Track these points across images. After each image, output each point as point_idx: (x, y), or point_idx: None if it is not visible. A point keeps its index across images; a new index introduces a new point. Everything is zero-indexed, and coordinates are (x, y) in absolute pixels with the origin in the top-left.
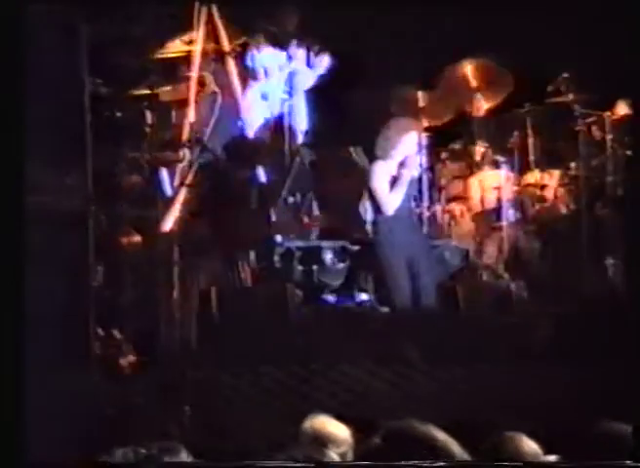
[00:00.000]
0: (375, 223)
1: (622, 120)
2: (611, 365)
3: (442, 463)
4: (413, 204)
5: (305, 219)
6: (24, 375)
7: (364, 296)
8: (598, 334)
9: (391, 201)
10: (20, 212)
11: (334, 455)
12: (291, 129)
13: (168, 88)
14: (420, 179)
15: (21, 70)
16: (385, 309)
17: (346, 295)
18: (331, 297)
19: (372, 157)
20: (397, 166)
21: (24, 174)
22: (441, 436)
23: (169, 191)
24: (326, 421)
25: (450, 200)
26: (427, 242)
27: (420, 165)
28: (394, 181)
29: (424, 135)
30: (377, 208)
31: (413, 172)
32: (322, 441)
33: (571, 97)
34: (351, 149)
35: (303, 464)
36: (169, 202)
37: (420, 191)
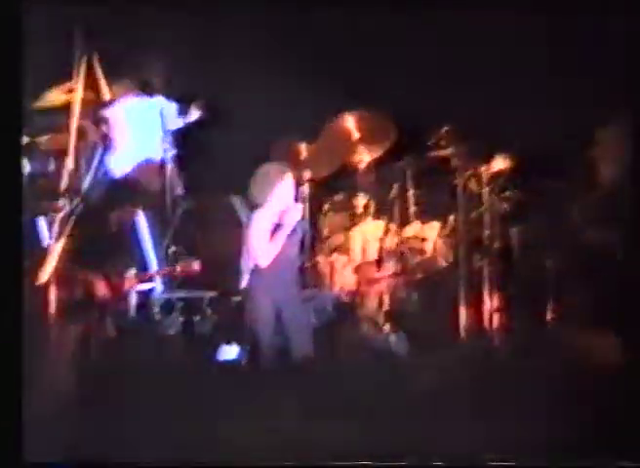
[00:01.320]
0: (253, 270)
1: (499, 174)
2: (493, 412)
3: (439, 463)
4: (293, 255)
5: (178, 268)
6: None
7: (234, 350)
8: (477, 385)
9: (267, 252)
10: None
11: None
12: (171, 178)
13: (47, 136)
14: (301, 230)
15: None
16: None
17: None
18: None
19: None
20: (279, 214)
21: None
22: None
23: (46, 241)
24: None
25: (332, 251)
26: (301, 292)
27: (302, 214)
28: (275, 229)
29: (306, 185)
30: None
31: (293, 216)
32: None
33: (450, 150)
34: (233, 198)
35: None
36: (45, 252)
37: (302, 242)
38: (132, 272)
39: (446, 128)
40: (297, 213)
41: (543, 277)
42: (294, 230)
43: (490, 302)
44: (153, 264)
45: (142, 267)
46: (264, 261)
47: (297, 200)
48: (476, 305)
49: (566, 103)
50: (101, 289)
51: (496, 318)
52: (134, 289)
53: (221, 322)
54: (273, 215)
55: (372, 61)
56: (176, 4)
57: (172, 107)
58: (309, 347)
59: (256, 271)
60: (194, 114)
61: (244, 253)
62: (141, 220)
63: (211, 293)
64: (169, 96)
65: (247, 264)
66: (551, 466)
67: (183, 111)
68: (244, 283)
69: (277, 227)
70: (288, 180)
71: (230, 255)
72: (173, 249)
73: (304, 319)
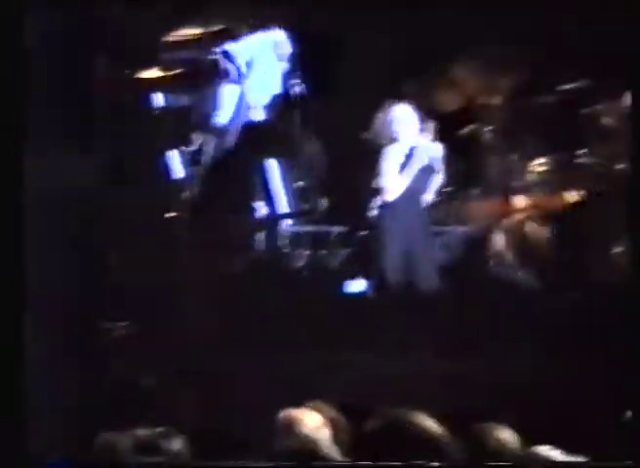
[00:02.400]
0: (380, 208)
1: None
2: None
3: (439, 463)
4: (424, 190)
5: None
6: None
7: (362, 283)
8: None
9: (397, 185)
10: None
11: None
12: (299, 112)
13: (177, 71)
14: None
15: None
16: (384, 295)
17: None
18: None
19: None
20: (408, 150)
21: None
22: (435, 429)
23: (179, 173)
24: (295, 412)
25: (461, 186)
26: (430, 228)
27: (434, 144)
28: (405, 164)
29: (435, 121)
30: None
31: (425, 151)
32: (292, 430)
33: (581, 83)
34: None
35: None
36: (179, 184)
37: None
38: (262, 207)
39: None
40: (429, 148)
41: None
42: (427, 166)
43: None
44: (283, 201)
45: (272, 203)
46: (392, 195)
47: (430, 136)
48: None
49: None
50: (232, 224)
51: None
52: (263, 223)
53: (349, 256)
54: (404, 151)
55: None
56: None
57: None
58: (435, 282)
59: (385, 205)
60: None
61: (374, 189)
62: (272, 162)
63: (338, 228)
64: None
65: (376, 200)
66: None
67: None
68: (373, 217)
69: (407, 162)
70: (407, 113)
71: (360, 191)
72: (301, 184)
73: (433, 253)
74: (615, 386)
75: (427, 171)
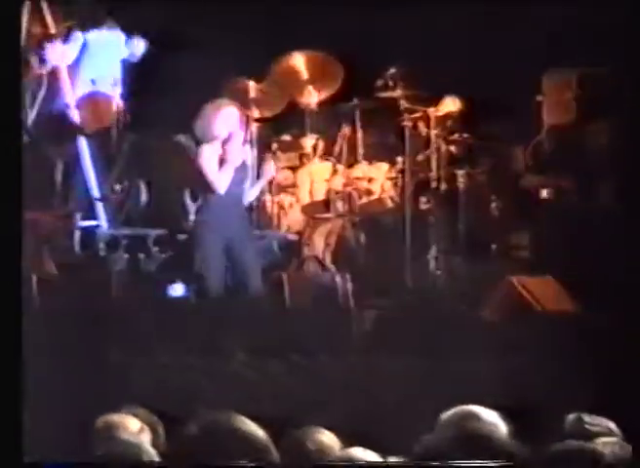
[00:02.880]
0: (200, 208)
1: (447, 116)
2: (435, 356)
3: (438, 463)
4: (241, 190)
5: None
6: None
7: (179, 287)
8: (422, 327)
9: (221, 180)
10: None
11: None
12: (119, 113)
13: None
14: (249, 167)
15: None
16: (203, 298)
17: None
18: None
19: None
20: (221, 146)
21: None
22: (255, 432)
23: None
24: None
25: (279, 191)
26: (251, 230)
27: (248, 147)
28: (222, 162)
29: (255, 125)
30: (205, 190)
31: (239, 152)
32: (112, 435)
33: (398, 92)
34: (181, 136)
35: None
36: None
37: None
38: (75, 207)
39: (393, 69)
40: (241, 150)
41: (489, 220)
42: (241, 167)
43: (435, 245)
44: (97, 200)
45: (87, 203)
46: (221, 189)
47: (245, 139)
48: (421, 248)
49: (516, 48)
50: (45, 225)
51: (441, 261)
52: (78, 225)
53: (168, 260)
54: (219, 149)
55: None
56: None
57: (121, 39)
58: (259, 285)
59: (204, 207)
60: (139, 47)
61: (189, 190)
62: (86, 155)
63: (157, 231)
64: (119, 28)
65: (192, 202)
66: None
67: (132, 43)
68: (191, 220)
69: (223, 157)
70: (231, 114)
71: (176, 193)
72: (118, 185)
73: (254, 257)
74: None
75: (242, 172)
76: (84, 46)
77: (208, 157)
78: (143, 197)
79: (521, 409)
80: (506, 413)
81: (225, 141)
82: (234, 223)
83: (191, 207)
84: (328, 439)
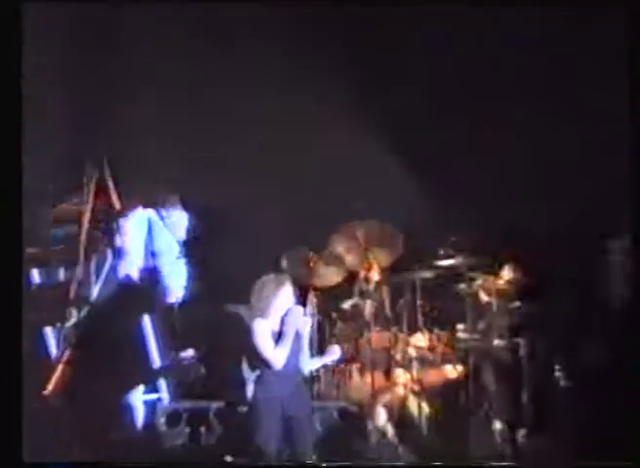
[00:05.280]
0: (258, 380)
1: (508, 284)
2: None
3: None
4: (298, 360)
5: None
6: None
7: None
8: None
9: (277, 356)
10: None
11: None
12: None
13: (57, 247)
14: (303, 337)
15: None
16: None
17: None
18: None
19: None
20: (279, 321)
21: None
22: None
23: (53, 352)
24: None
25: (340, 360)
26: (309, 402)
27: (307, 320)
28: (278, 337)
29: (314, 294)
30: (261, 365)
31: (296, 324)
32: None
33: (459, 259)
34: (239, 307)
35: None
36: (54, 363)
37: (310, 350)
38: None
39: (453, 238)
40: (298, 316)
41: (554, 390)
42: (297, 335)
43: (500, 417)
44: (159, 372)
45: (149, 376)
46: (279, 364)
47: (305, 310)
48: (486, 419)
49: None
50: (110, 400)
51: (505, 433)
52: (140, 399)
53: (227, 433)
54: (276, 322)
55: (379, 172)
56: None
57: (183, 218)
58: (310, 455)
59: (262, 379)
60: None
61: (246, 362)
62: (148, 327)
63: (217, 404)
64: (181, 207)
65: (249, 373)
66: None
67: (194, 223)
68: (249, 392)
69: (280, 332)
70: (287, 289)
71: (235, 364)
72: (179, 355)
73: (310, 427)
74: None
75: (299, 342)
76: (148, 222)
77: (263, 333)
78: (203, 369)
79: None
80: None
81: (281, 315)
82: (292, 394)
83: (249, 376)
84: None
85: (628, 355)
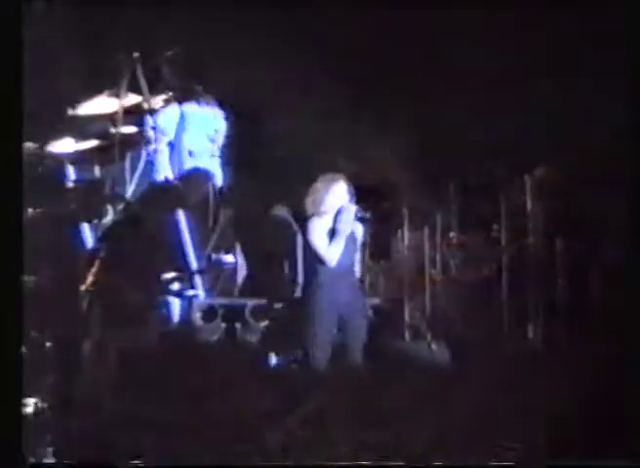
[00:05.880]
0: (311, 280)
1: (542, 183)
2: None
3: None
4: (352, 260)
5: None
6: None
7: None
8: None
9: (332, 253)
10: None
11: None
12: (214, 185)
13: (92, 143)
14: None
15: None
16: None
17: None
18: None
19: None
20: (332, 219)
21: None
22: None
23: (90, 246)
24: None
25: (375, 258)
26: (364, 300)
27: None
28: (332, 235)
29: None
30: (315, 263)
31: (349, 224)
32: None
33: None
34: (277, 208)
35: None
36: (90, 258)
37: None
38: (174, 277)
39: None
40: (350, 214)
41: (586, 289)
42: (350, 238)
43: (535, 312)
44: (195, 269)
45: (185, 273)
46: (331, 262)
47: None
48: (520, 314)
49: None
50: (143, 295)
51: (540, 328)
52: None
53: (265, 329)
54: (329, 220)
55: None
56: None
57: (216, 113)
58: (361, 356)
59: (315, 280)
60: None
61: (296, 262)
62: (184, 226)
63: (253, 301)
64: (214, 101)
65: (298, 273)
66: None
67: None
68: (298, 291)
69: (334, 230)
70: (342, 188)
71: (276, 264)
72: (214, 256)
73: (364, 325)
74: None
75: (351, 241)
76: (181, 118)
77: (318, 231)
78: (241, 268)
79: None
80: None
81: (336, 214)
82: (345, 294)
83: (299, 278)
84: None
85: None
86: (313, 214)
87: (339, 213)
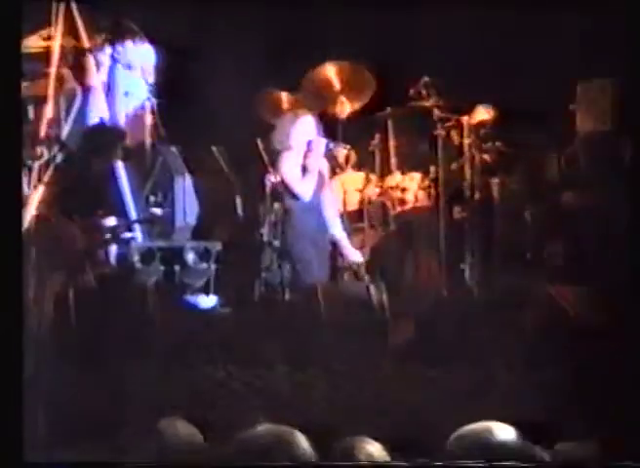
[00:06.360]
0: (281, 217)
1: (481, 125)
2: (467, 365)
3: (442, 463)
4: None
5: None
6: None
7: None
8: (454, 336)
9: (305, 187)
10: None
11: None
12: (153, 126)
13: (25, 84)
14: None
15: None
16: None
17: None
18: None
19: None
20: (303, 155)
21: None
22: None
23: (25, 190)
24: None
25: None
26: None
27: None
28: (304, 170)
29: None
30: (282, 199)
31: (320, 158)
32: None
33: (431, 101)
34: (213, 148)
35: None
36: (25, 200)
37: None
38: (111, 220)
39: (426, 78)
40: (320, 147)
41: (523, 229)
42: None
43: (469, 254)
44: (132, 212)
45: (122, 215)
46: (306, 196)
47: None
48: (456, 257)
49: (550, 57)
50: (81, 238)
51: (475, 270)
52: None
53: (206, 272)
54: (300, 155)
55: (354, 11)
56: None
57: (150, 52)
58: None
59: (287, 216)
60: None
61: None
62: (121, 168)
63: (192, 243)
64: (151, 42)
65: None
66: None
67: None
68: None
69: (305, 165)
70: (308, 123)
71: (215, 206)
72: (152, 198)
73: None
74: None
75: (320, 180)
76: (115, 59)
77: (289, 165)
78: (181, 210)
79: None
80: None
81: (306, 150)
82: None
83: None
84: (374, 448)
85: None
86: (282, 150)
87: (308, 147)
